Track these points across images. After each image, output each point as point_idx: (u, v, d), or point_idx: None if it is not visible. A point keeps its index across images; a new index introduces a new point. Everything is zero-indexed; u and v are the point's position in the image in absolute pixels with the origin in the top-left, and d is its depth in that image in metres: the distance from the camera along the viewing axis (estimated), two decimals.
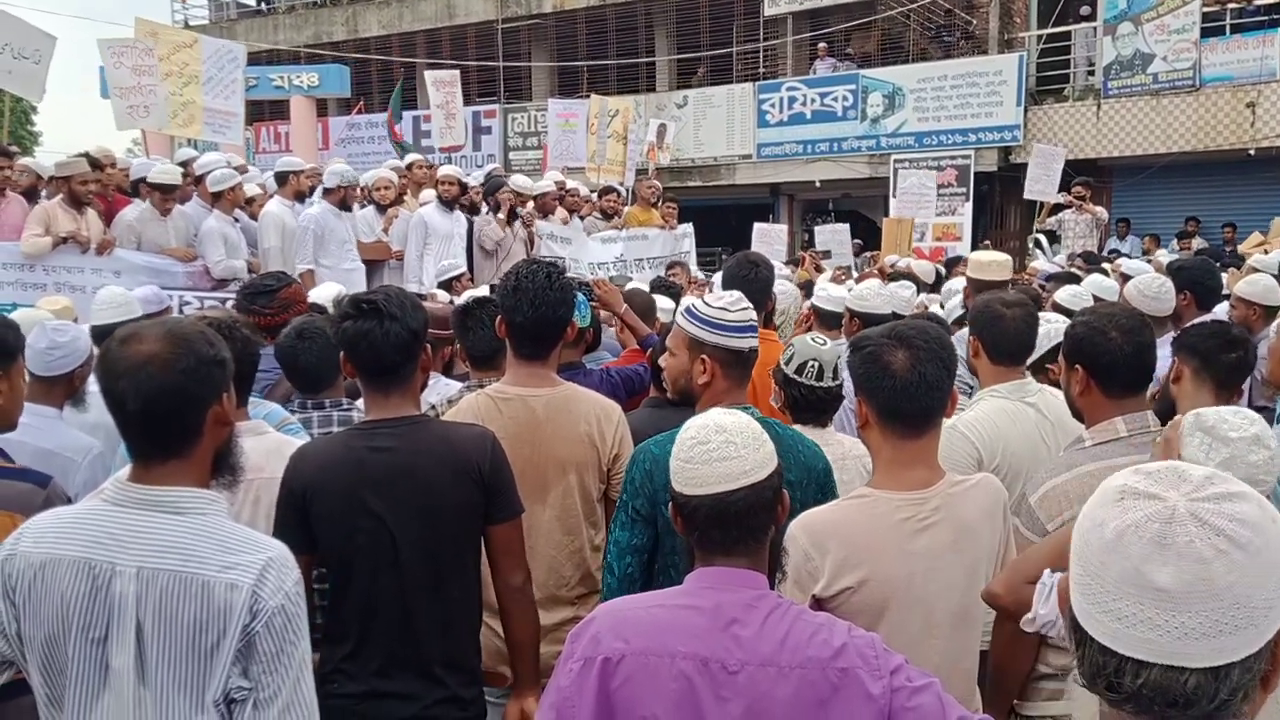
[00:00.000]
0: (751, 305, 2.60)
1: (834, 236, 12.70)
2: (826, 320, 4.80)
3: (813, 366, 2.94)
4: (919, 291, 6.50)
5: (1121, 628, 0.98)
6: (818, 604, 2.08)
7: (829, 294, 5.00)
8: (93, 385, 3.25)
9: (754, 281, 3.65)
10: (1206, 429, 1.94)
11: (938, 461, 2.21)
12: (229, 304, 5.39)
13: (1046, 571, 1.96)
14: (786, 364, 2.98)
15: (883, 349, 2.14)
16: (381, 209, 8.20)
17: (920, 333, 2.17)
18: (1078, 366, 2.52)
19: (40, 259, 6.28)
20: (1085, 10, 15.51)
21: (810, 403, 2.96)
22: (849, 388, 2.51)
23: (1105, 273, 6.52)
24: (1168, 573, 0.96)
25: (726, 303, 2.54)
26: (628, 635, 1.66)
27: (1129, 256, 10.20)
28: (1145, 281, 4.68)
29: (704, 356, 2.52)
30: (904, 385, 2.10)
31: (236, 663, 1.68)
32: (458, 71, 11.84)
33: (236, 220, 7.24)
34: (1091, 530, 1.03)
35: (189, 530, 1.72)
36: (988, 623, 2.30)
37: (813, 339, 3.05)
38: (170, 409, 1.72)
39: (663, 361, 2.72)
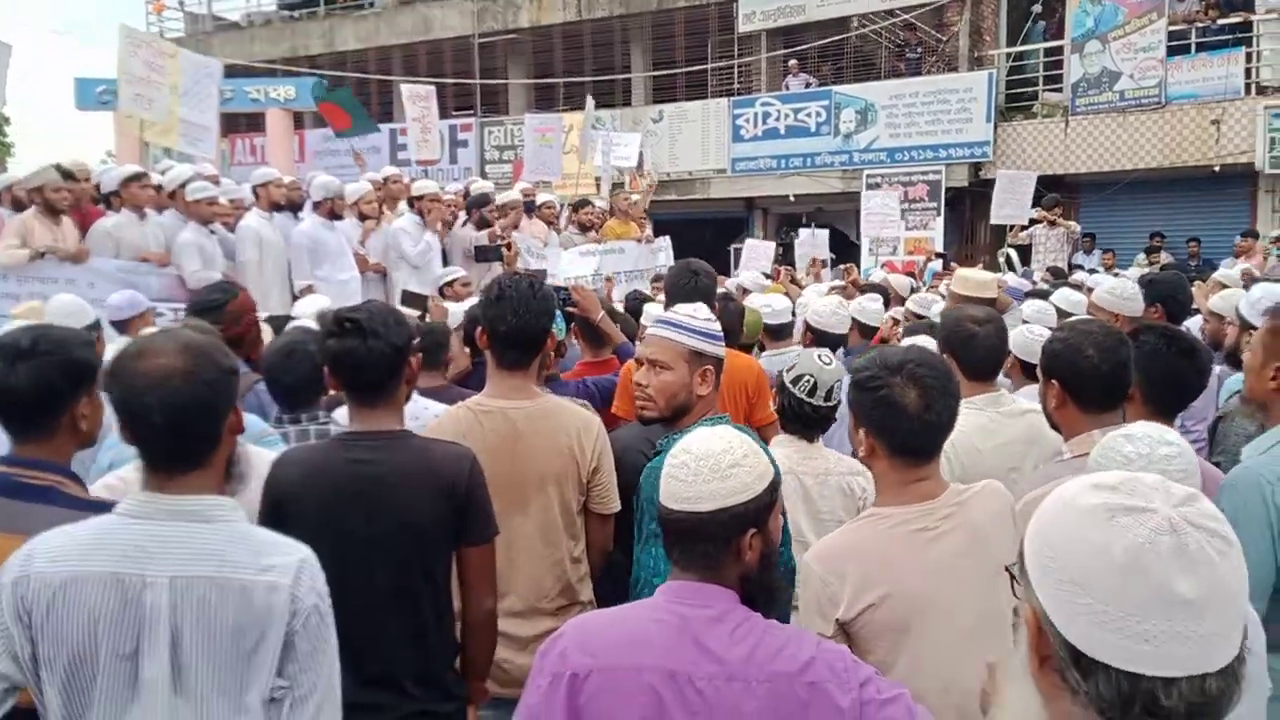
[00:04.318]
0: None
1: (812, 240, 12.77)
2: (774, 333, 4.99)
3: (808, 381, 2.98)
4: (888, 305, 6.61)
5: (1151, 648, 0.96)
6: (841, 628, 2.08)
7: (772, 309, 5.13)
8: None
9: (696, 290, 3.68)
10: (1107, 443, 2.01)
11: (940, 474, 2.23)
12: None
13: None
14: (787, 372, 3.02)
15: (894, 390, 2.11)
16: (363, 219, 8.22)
17: (930, 369, 2.15)
18: (1054, 381, 2.58)
19: (15, 270, 6.24)
20: (1040, 23, 15.73)
21: (798, 415, 3.00)
22: (843, 410, 2.50)
23: (1074, 286, 6.63)
24: (1190, 582, 0.96)
25: (706, 314, 2.59)
26: (595, 650, 1.66)
27: (1093, 270, 10.35)
28: (1116, 284, 4.74)
29: (708, 368, 2.55)
30: (921, 427, 2.10)
31: (275, 662, 1.71)
32: (433, 86, 11.87)
33: (213, 232, 7.22)
34: (1094, 556, 0.99)
35: (221, 536, 1.75)
36: None
37: (819, 356, 3.09)
38: (196, 421, 1.75)
39: (645, 378, 2.58)
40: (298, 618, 1.72)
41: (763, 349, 5.21)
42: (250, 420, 3.13)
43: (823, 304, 5.04)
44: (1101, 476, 1.06)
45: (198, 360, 1.76)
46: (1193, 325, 5.06)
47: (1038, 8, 15.76)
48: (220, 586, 1.70)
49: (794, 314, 5.42)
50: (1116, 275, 8.52)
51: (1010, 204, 11.26)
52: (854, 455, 2.47)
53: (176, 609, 1.69)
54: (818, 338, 4.72)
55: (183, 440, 1.76)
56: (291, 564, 1.75)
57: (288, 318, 5.14)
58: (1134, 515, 1.00)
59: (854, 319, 5.21)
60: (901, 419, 2.10)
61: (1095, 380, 2.51)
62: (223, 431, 1.81)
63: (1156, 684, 0.97)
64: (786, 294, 6.85)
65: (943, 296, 6.22)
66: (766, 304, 5.24)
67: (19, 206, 6.78)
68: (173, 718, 1.70)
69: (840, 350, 4.75)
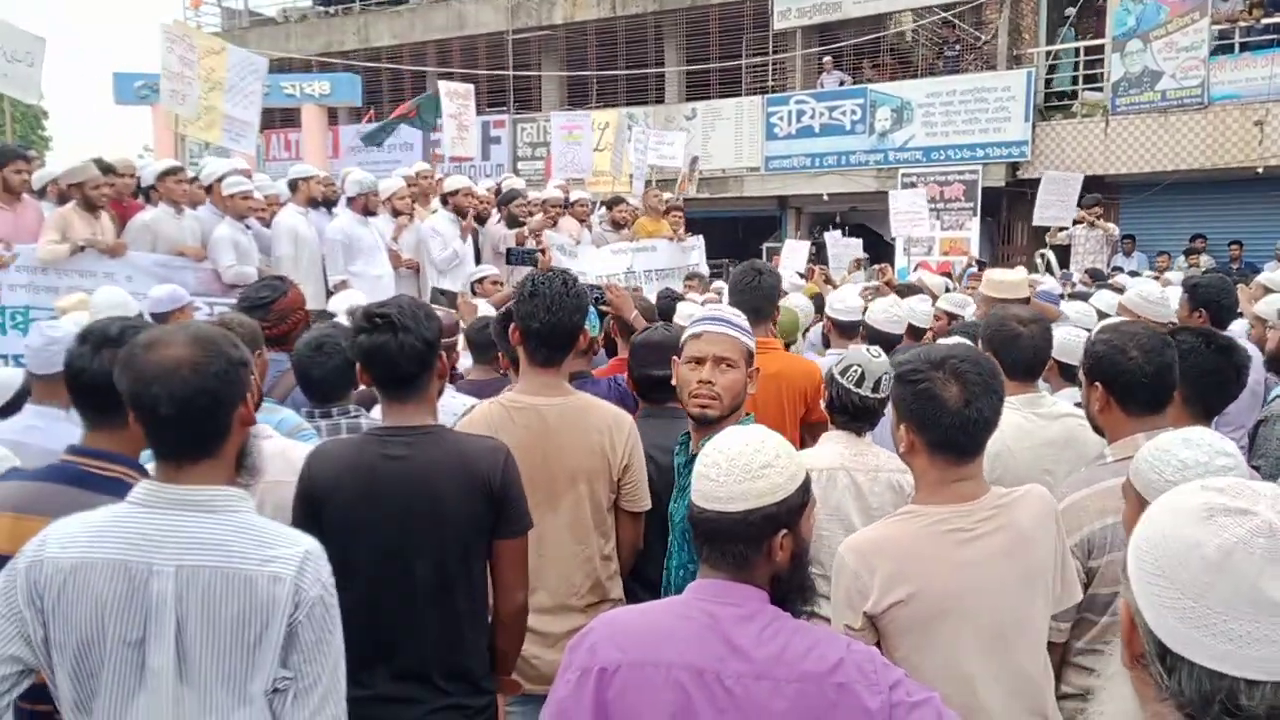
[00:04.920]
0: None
1: (843, 243, 12.74)
2: (845, 330, 4.96)
3: (855, 372, 2.97)
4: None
5: (1234, 648, 0.95)
6: (870, 621, 2.08)
7: (846, 305, 5.13)
8: None
9: (759, 289, 3.70)
10: (1163, 447, 1.97)
11: (983, 476, 2.20)
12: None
13: None
14: (836, 365, 3.05)
15: (936, 384, 2.10)
16: (396, 215, 8.24)
17: (973, 365, 2.13)
18: (1097, 384, 2.53)
19: (55, 264, 6.32)
20: (1069, 12, 15.52)
21: (845, 406, 2.98)
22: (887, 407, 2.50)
23: (1115, 289, 6.54)
24: None
25: (742, 315, 2.60)
26: (624, 645, 1.67)
27: (1134, 273, 10.21)
28: (1145, 288, 4.72)
29: (755, 367, 2.61)
30: (961, 422, 2.08)
31: (278, 652, 1.72)
32: (472, 85, 11.91)
33: (248, 227, 7.28)
34: (1187, 552, 0.99)
35: (226, 527, 1.75)
36: None
37: (868, 349, 3.10)
38: (203, 411, 1.76)
39: (712, 375, 2.58)
40: (301, 609, 1.73)
41: (826, 345, 5.23)
42: (286, 415, 3.16)
43: (879, 305, 5.08)
44: (1213, 480, 1.06)
45: (207, 352, 1.76)
46: (1239, 330, 4.96)
47: (1071, 12, 15.55)
48: (225, 576, 1.71)
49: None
50: (1160, 279, 8.40)
51: (1055, 205, 11.14)
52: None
53: (181, 598, 1.70)
54: (872, 338, 4.71)
55: (190, 431, 1.77)
56: (296, 555, 1.75)
57: (323, 312, 5.17)
58: (1234, 516, 0.99)
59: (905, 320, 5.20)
60: (941, 413, 2.08)
61: (1140, 383, 2.47)
62: (232, 423, 1.81)
63: (1239, 684, 0.95)
64: (819, 294, 6.83)
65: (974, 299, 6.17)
66: (840, 299, 5.28)
67: (63, 199, 6.87)
68: (178, 706, 1.71)
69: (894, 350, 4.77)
